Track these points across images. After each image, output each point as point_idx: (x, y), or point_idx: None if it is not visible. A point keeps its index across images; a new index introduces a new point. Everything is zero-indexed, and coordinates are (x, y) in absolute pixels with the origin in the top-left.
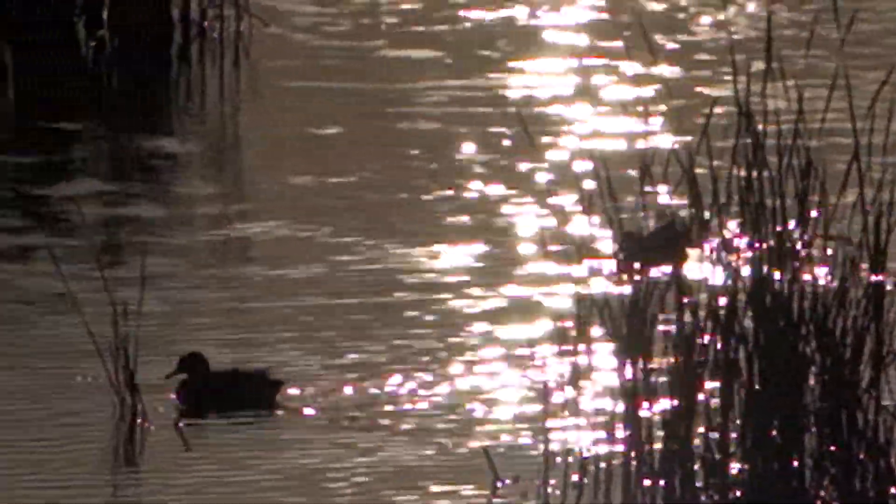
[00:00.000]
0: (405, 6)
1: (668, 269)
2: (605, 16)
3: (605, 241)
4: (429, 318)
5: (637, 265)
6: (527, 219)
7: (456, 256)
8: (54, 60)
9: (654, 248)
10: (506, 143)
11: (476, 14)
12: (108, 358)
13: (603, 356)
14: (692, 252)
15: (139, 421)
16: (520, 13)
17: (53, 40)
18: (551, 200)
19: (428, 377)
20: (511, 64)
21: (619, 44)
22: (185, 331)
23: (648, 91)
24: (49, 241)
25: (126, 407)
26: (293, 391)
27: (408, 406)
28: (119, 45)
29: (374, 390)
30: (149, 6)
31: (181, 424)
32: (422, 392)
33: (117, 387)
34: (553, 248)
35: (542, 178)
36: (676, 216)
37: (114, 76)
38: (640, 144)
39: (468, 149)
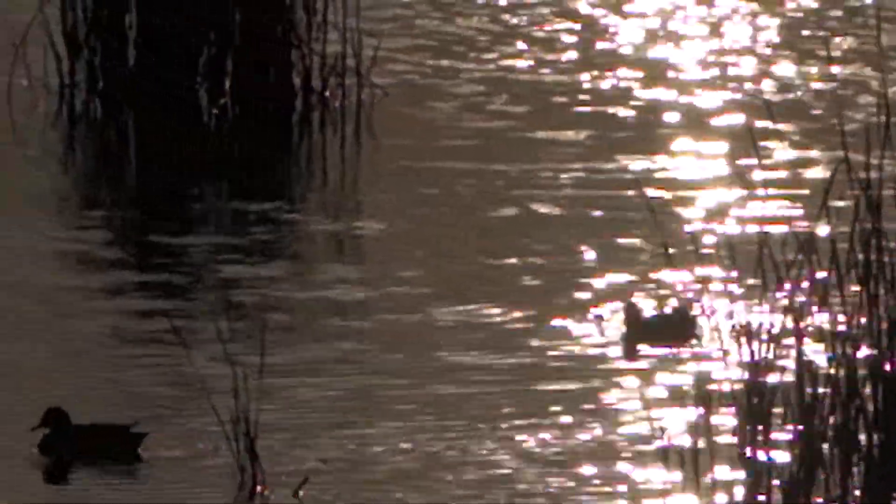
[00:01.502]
0: (548, 76)
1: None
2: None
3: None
4: (572, 386)
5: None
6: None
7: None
8: (176, 126)
9: (659, 329)
10: (643, 225)
11: (627, 92)
12: (229, 425)
13: (724, 423)
14: (698, 337)
15: (259, 487)
16: (667, 92)
17: (176, 106)
18: (697, 275)
19: (549, 436)
20: (658, 144)
21: (771, 125)
22: (304, 395)
23: (800, 172)
24: (169, 303)
25: (246, 473)
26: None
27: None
28: (240, 113)
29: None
30: (271, 74)
31: (301, 493)
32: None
33: (238, 453)
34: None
35: (684, 258)
36: (686, 302)
37: (235, 143)
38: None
39: (595, 231)
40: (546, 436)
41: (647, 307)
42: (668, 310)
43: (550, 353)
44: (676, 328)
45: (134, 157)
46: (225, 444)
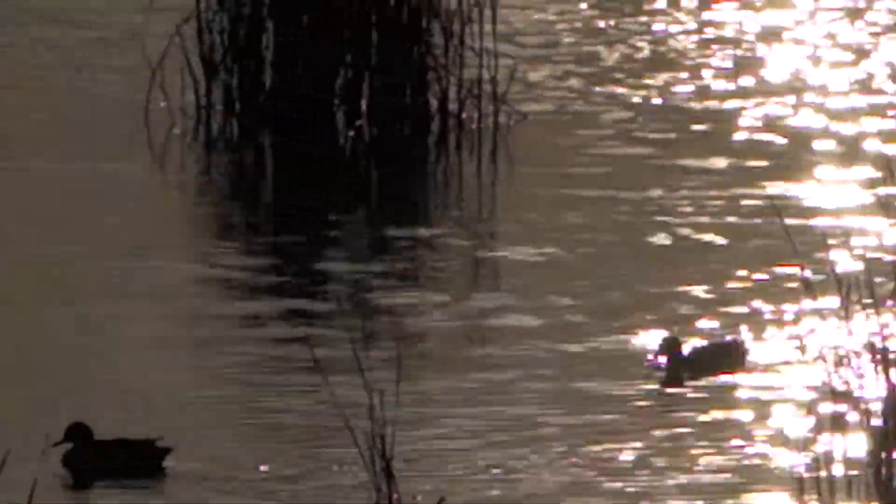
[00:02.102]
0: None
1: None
2: None
3: None
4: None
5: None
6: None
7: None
8: (312, 148)
9: (699, 362)
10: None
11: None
12: (364, 445)
13: (856, 445)
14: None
15: None
16: (813, 118)
17: (312, 128)
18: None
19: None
20: (803, 172)
21: None
22: (434, 418)
23: None
24: (305, 324)
25: (382, 494)
26: None
27: None
28: (377, 135)
29: None
30: (407, 96)
31: None
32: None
33: (374, 474)
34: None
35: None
36: (736, 339)
37: (371, 165)
38: None
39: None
40: (704, 463)
41: (692, 340)
42: (715, 341)
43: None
44: (721, 359)
45: (270, 179)
46: (361, 466)
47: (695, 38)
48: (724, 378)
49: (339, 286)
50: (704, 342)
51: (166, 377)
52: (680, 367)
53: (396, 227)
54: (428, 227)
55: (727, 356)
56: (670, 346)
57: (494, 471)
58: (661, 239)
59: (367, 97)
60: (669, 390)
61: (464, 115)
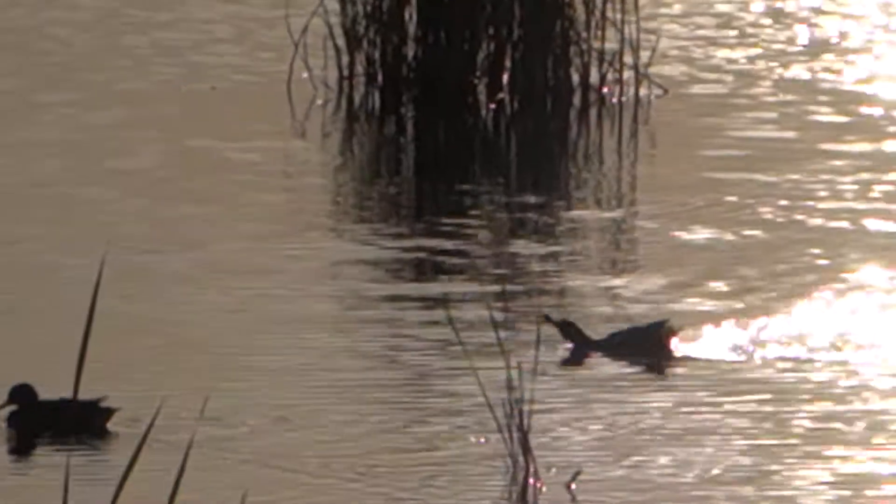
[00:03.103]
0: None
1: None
2: None
3: None
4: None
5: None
6: None
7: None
8: (453, 120)
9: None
10: None
11: None
12: (502, 417)
13: None
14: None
15: (531, 480)
16: None
17: (454, 101)
18: None
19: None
20: None
21: None
22: (582, 393)
23: None
24: (445, 292)
25: (518, 466)
26: None
27: None
28: (518, 108)
29: None
30: (549, 70)
31: (573, 485)
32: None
33: (510, 446)
34: None
35: None
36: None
37: (512, 137)
38: None
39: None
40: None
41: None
42: (635, 325)
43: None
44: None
45: (411, 153)
46: (498, 437)
47: (856, 23)
48: None
49: (479, 263)
50: (623, 326)
51: (314, 357)
52: (589, 346)
53: (536, 202)
54: (568, 203)
55: (648, 338)
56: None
57: (624, 443)
58: (811, 225)
59: (508, 70)
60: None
61: (605, 89)
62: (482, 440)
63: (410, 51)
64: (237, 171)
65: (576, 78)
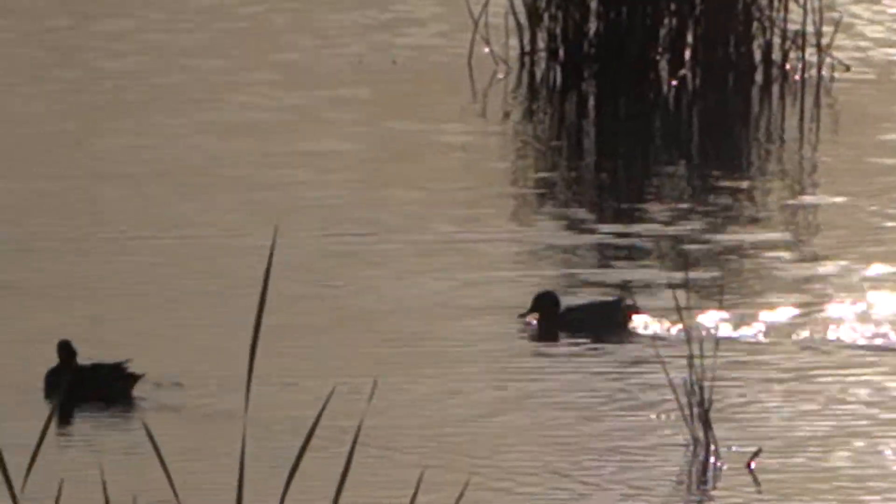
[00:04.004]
0: None
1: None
2: None
3: None
4: None
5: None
6: None
7: None
8: (635, 95)
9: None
10: None
11: None
12: (683, 394)
13: None
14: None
15: (712, 458)
16: None
17: (635, 76)
18: None
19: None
20: None
21: None
22: (763, 370)
23: None
24: (630, 273)
25: (699, 443)
26: None
27: None
28: (700, 84)
29: None
30: (731, 47)
31: (753, 464)
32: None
33: (691, 424)
34: None
35: None
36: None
37: (694, 113)
38: None
39: None
40: None
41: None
42: (595, 300)
43: None
44: (599, 320)
45: (592, 128)
46: (678, 416)
47: None
48: None
49: (661, 234)
50: (583, 301)
51: (496, 343)
52: (555, 325)
53: (718, 177)
54: (749, 179)
55: (606, 316)
56: (544, 304)
57: (805, 425)
58: None
59: (690, 46)
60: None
61: (787, 66)
62: (663, 417)
63: (592, 26)
64: (420, 153)
65: (758, 54)
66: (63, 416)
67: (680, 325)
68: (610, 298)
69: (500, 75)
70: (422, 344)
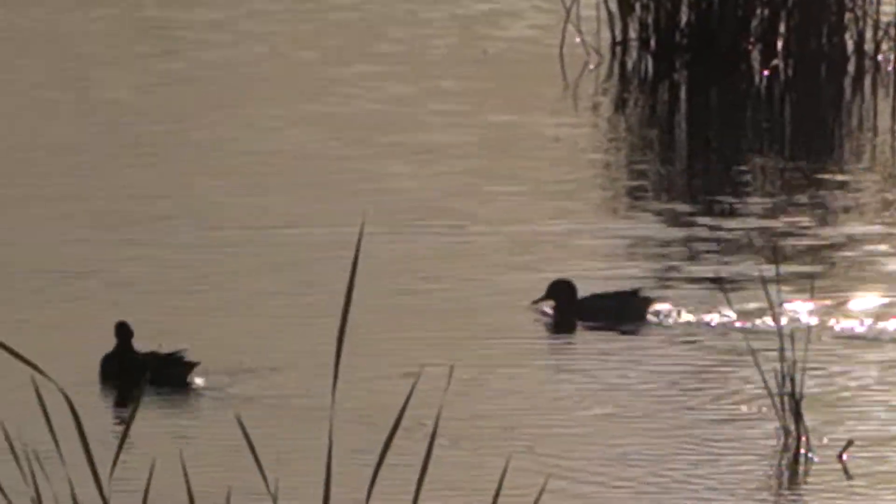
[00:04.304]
0: None
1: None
2: None
3: None
4: None
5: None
6: None
7: None
8: (726, 85)
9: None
10: None
11: None
12: (774, 386)
13: None
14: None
15: (802, 450)
16: None
17: (727, 67)
18: None
19: None
20: None
21: None
22: (846, 360)
23: None
24: (720, 266)
25: (790, 435)
26: None
27: None
28: (793, 74)
29: None
30: (824, 37)
31: (845, 456)
32: None
33: (782, 415)
34: None
35: None
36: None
37: (786, 104)
38: None
39: None
40: None
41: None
42: (613, 290)
43: None
44: (616, 309)
45: (683, 118)
46: (769, 407)
47: None
48: None
49: (755, 240)
50: (601, 290)
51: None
52: (571, 314)
53: (810, 168)
54: (842, 171)
55: (623, 306)
56: (559, 291)
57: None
58: None
59: (783, 37)
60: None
61: (880, 57)
62: (753, 408)
63: (684, 16)
64: (514, 145)
65: (850, 45)
66: (127, 404)
67: (772, 317)
68: (628, 289)
69: (592, 65)
70: (513, 336)
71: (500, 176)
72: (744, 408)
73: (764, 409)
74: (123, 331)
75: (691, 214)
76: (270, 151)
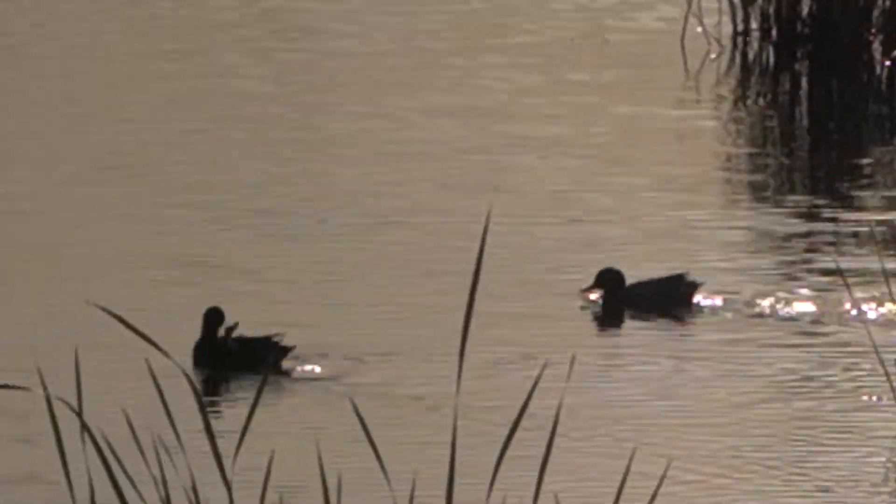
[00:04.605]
0: None
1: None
2: None
3: None
4: None
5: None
6: None
7: None
8: (848, 75)
9: (644, 295)
10: None
11: None
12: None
13: None
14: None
15: None
16: None
17: (849, 57)
18: None
19: None
20: None
21: None
22: None
23: None
24: (835, 259)
25: None
26: None
27: None
28: None
29: None
30: None
31: None
32: None
33: None
34: None
35: None
36: (685, 273)
37: None
38: None
39: None
40: None
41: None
42: (657, 276)
43: None
44: (663, 296)
45: (806, 109)
46: (889, 398)
47: None
48: None
49: (875, 222)
50: (647, 278)
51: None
52: (619, 303)
53: None
54: None
55: (668, 292)
56: (608, 280)
57: None
58: None
59: None
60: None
61: None
62: (874, 399)
63: (805, 6)
64: (637, 135)
65: None
66: (218, 390)
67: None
68: (673, 273)
69: (713, 55)
70: (635, 327)
71: (624, 167)
72: (864, 398)
73: (885, 400)
74: (210, 317)
75: (813, 206)
76: (400, 142)
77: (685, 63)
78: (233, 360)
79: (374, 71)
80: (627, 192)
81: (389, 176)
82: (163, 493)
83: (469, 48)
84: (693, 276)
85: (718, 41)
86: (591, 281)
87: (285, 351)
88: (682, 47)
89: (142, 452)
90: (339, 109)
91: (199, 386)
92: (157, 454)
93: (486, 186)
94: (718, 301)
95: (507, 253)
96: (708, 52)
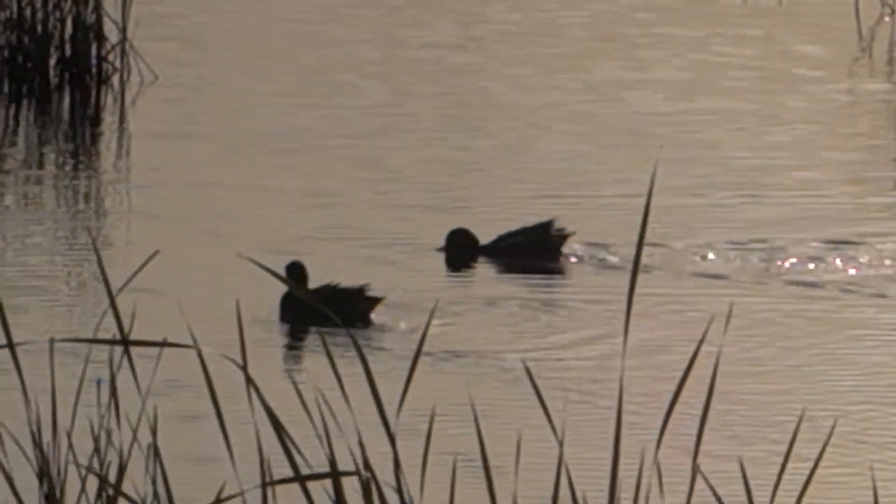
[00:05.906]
0: None
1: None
2: None
3: None
4: None
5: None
6: None
7: None
8: None
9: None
10: None
11: None
12: None
13: None
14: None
15: None
16: None
17: None
18: None
19: None
20: None
21: None
22: None
23: None
24: None
25: None
26: None
27: None
28: None
29: None
30: None
31: None
32: None
33: None
34: None
35: None
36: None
37: None
38: None
39: None
40: None
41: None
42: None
43: None
44: (529, 242)
45: None
46: None
47: None
48: None
49: None
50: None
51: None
52: (470, 258)
53: None
54: None
55: (537, 239)
56: (456, 240)
57: None
58: None
59: None
60: None
61: None
62: None
63: None
64: (825, 108)
65: None
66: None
67: None
68: (540, 222)
69: (887, 18)
70: (802, 299)
71: (830, 141)
72: None
73: None
74: (293, 272)
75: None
76: (602, 115)
77: (858, 26)
78: (320, 311)
79: (571, 43)
80: (835, 165)
81: (582, 147)
82: (328, 451)
83: (653, 21)
84: (562, 225)
85: (891, 6)
86: (442, 242)
87: (374, 301)
88: (857, 10)
89: (306, 410)
90: (543, 82)
91: (286, 338)
92: (321, 412)
93: (673, 159)
94: None
95: (693, 227)
96: (881, 16)
